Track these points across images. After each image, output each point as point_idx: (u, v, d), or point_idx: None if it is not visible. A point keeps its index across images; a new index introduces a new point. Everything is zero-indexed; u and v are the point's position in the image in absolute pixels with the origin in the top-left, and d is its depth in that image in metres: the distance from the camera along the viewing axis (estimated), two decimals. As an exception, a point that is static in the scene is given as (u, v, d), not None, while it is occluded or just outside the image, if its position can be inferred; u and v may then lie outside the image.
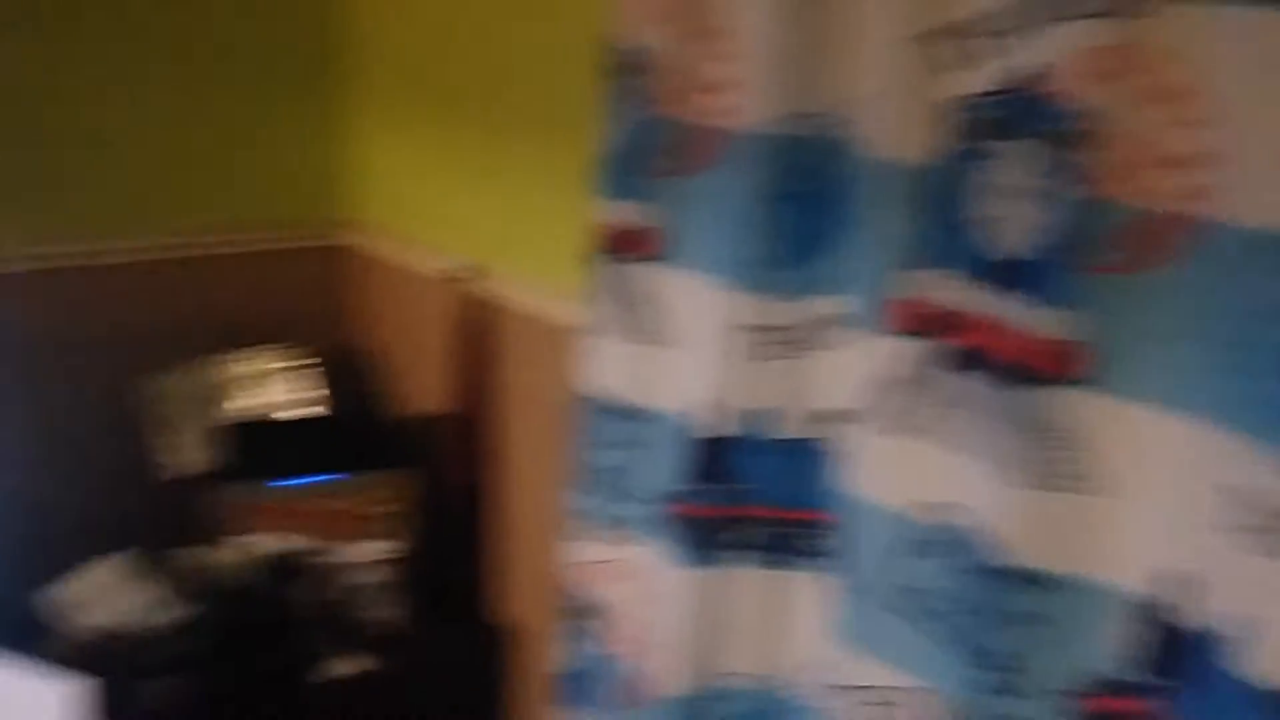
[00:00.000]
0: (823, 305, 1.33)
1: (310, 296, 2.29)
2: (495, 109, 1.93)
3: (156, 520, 2.01)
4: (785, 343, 1.35)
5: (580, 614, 1.66)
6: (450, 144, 2.07)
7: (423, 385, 2.24)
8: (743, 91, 1.32)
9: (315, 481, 2.05)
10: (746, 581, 1.44)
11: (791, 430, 1.37)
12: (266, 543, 1.97)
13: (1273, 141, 0.93)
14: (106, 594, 1.92)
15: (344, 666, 1.97)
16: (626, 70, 1.43)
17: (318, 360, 2.18)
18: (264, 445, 2.06)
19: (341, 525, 2.04)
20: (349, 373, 2.31)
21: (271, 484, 2.02)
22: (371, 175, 2.28)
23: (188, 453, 2.05)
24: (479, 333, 2.03)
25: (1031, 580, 1.08)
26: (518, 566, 2.14)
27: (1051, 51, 1.05)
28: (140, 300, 2.04)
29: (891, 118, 1.21)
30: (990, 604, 1.12)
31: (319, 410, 2.14)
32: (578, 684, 1.69)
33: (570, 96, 1.71)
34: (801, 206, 1.32)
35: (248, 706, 1.85)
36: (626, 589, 1.57)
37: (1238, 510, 0.93)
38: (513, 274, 1.95)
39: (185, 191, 2.08)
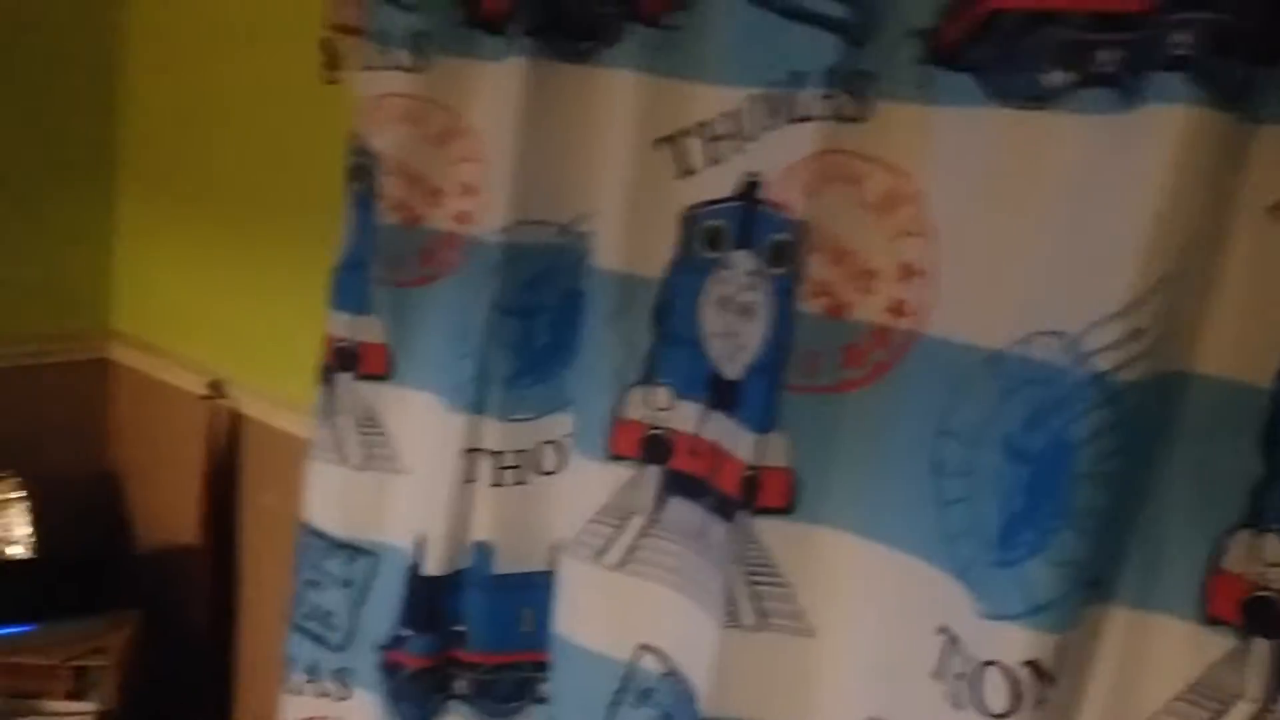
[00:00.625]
0: (552, 427, 1.22)
1: (52, 416, 2.05)
2: (253, 211, 1.81)
3: None
4: (506, 468, 1.22)
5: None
6: (208, 250, 1.92)
7: (168, 512, 2.01)
8: (482, 197, 1.24)
9: (18, 631, 1.79)
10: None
11: (516, 564, 1.23)
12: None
13: (982, 251, 0.88)
14: None
15: None
16: (360, 173, 1.33)
17: (42, 491, 1.93)
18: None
19: (41, 681, 1.77)
20: (86, 500, 2.07)
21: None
22: (134, 284, 2.10)
23: None
24: (227, 452, 1.85)
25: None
26: (253, 717, 1.90)
27: (773, 157, 1.00)
28: None
29: (626, 227, 1.14)
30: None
31: (25, 551, 1.89)
32: None
33: (324, 201, 1.60)
34: (535, 321, 1.23)
35: None
36: (342, 749, 1.38)
37: (941, 654, 0.83)
38: (263, 388, 1.80)
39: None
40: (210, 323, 1.95)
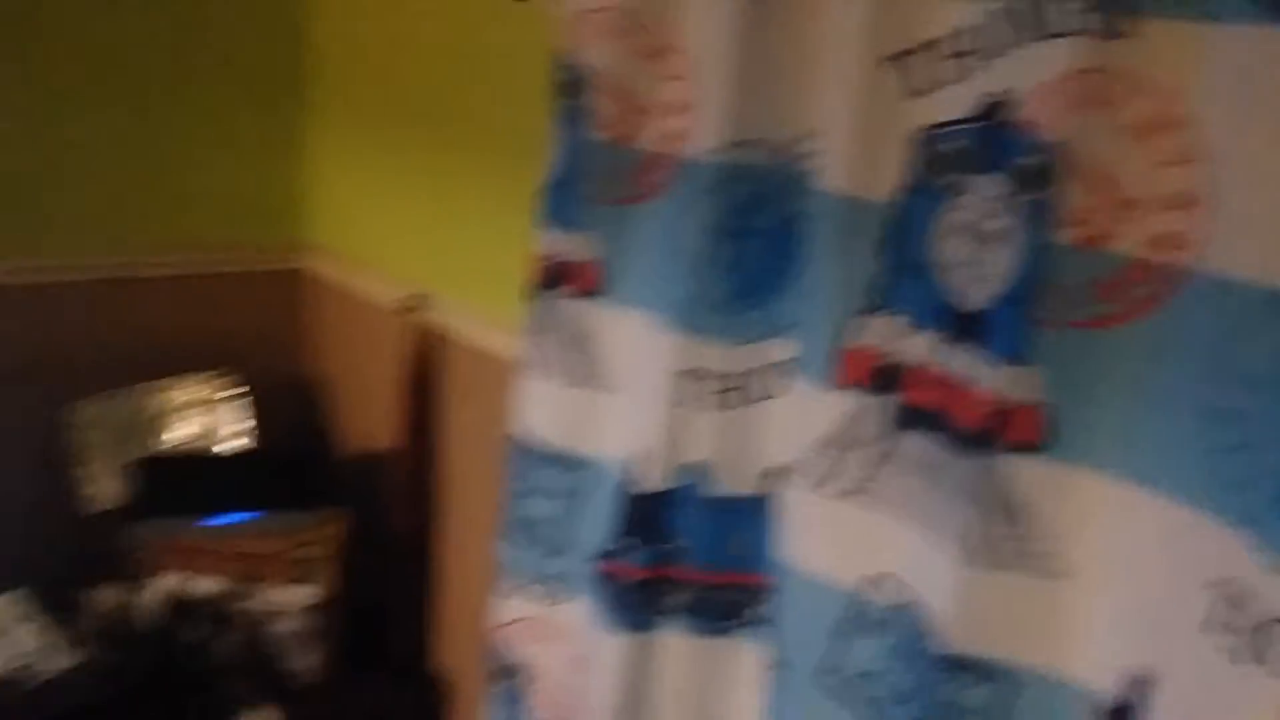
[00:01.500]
0: (770, 351, 1.21)
1: (259, 322, 2.16)
2: (450, 131, 1.82)
3: (69, 557, 1.86)
4: (729, 390, 1.22)
5: (507, 674, 1.52)
6: (405, 167, 1.95)
7: (367, 420, 2.11)
8: (694, 116, 1.21)
9: (239, 520, 1.91)
10: (677, 648, 1.31)
11: (731, 486, 1.24)
12: (183, 584, 1.82)
13: (1262, 182, 0.82)
14: (3, 635, 1.77)
15: (266, 716, 1.83)
16: (570, 90, 1.32)
17: (256, 390, 2.04)
18: (187, 480, 1.91)
19: (264, 568, 1.89)
20: (289, 404, 2.18)
21: (192, 521, 1.88)
22: (327, 199, 2.17)
23: (107, 486, 1.91)
24: (427, 366, 1.91)
25: (984, 672, 0.95)
26: (454, 618, 2.00)
27: (1022, 76, 0.94)
28: (76, 322, 1.91)
29: (852, 149, 1.09)
30: (936, 696, 0.98)
31: (248, 444, 2.01)
32: (501, 751, 1.55)
33: (524, 119, 1.60)
34: (752, 243, 1.20)
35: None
36: (554, 650, 1.44)
37: (1213, 607, 0.80)
38: (462, 304, 1.84)
39: (129, 210, 1.96)
40: (407, 238, 1.99)
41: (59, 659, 1.77)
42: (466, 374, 1.86)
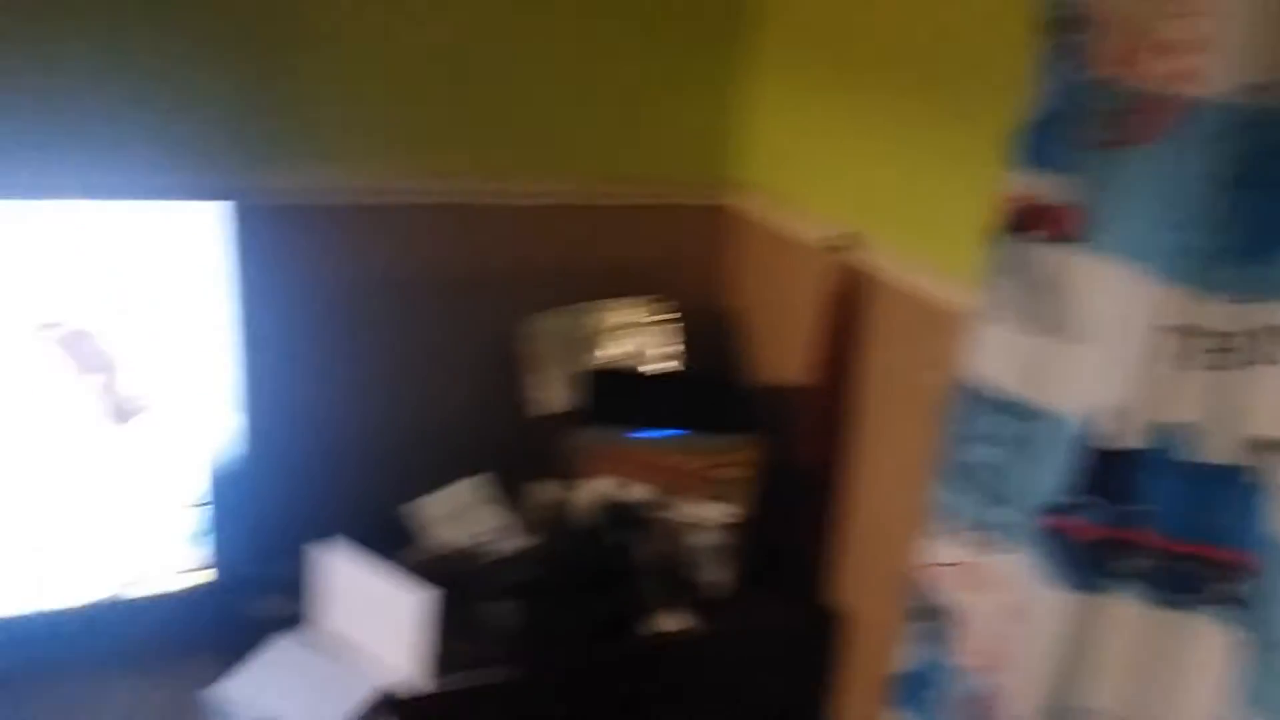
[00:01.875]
0: (1274, 313, 1.11)
1: (687, 254, 2.27)
2: (903, 70, 1.80)
3: (516, 452, 2.07)
4: (1220, 351, 1.14)
5: (928, 616, 1.53)
6: (849, 107, 1.96)
7: (785, 353, 2.17)
8: (1207, 55, 1.13)
9: (666, 436, 2.04)
10: (1128, 614, 1.26)
11: (1212, 454, 1.17)
12: (613, 489, 1.98)
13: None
14: (461, 514, 2.01)
15: (670, 622, 1.96)
16: (1066, 25, 1.26)
17: (683, 317, 2.16)
18: (623, 394, 2.06)
19: (685, 482, 2.01)
20: (712, 332, 2.28)
21: (625, 433, 2.03)
22: (758, 137, 2.23)
23: (553, 392, 2.10)
24: (851, 305, 1.93)
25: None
26: (860, 552, 2.03)
27: None
28: (529, 243, 2.10)
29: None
30: None
31: (678, 366, 2.13)
32: (914, 687, 1.57)
33: (993, 58, 1.56)
34: (1265, 195, 1.11)
35: (575, 643, 1.87)
36: (985, 599, 1.43)
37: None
38: (895, 247, 1.83)
39: (585, 142, 2.11)
40: (841, 178, 2.00)
41: (510, 540, 1.99)
42: (891, 315, 1.87)
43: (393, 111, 1.92)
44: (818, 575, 2.11)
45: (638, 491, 2.00)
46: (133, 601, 1.72)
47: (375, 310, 1.98)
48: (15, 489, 1.58)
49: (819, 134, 2.05)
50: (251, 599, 1.83)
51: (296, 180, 1.85)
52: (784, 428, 2.09)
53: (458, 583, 1.75)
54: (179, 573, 1.75)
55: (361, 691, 1.69)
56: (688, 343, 2.17)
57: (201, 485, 1.72)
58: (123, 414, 1.61)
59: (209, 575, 1.77)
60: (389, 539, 1.82)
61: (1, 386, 1.52)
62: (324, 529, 1.78)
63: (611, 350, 2.12)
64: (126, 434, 1.63)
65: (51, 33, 1.62)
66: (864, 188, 1.94)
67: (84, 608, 1.69)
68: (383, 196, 1.94)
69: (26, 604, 1.64)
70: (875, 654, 1.99)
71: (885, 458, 1.94)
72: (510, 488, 2.06)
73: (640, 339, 2.13)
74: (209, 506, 1.73)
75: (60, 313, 1.53)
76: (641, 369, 2.12)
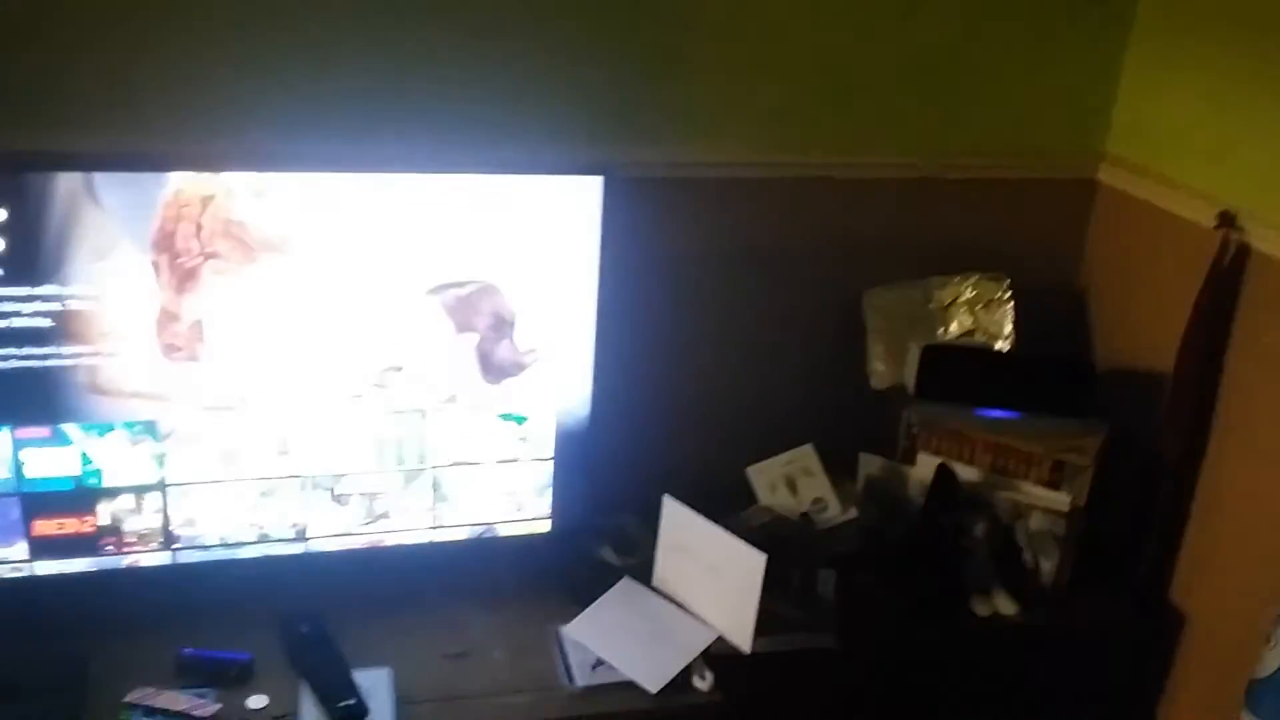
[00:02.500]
0: None
1: (1040, 228, 2.17)
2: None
3: (849, 424, 2.09)
4: None
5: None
6: (1243, 73, 1.80)
7: (1144, 334, 2.04)
8: None
9: (1004, 416, 1.99)
10: None
11: None
12: (946, 467, 1.96)
13: None
14: (790, 482, 2.06)
15: (995, 608, 1.92)
16: None
17: (1027, 294, 2.08)
18: (960, 372, 2.03)
19: (1021, 465, 1.95)
20: (1058, 311, 2.19)
21: (961, 411, 1.99)
22: (1134, 106, 2.08)
23: (889, 367, 2.10)
24: (1232, 286, 1.79)
25: None
26: (1216, 550, 1.90)
27: None
28: (875, 215, 2.09)
29: None
30: None
31: (1019, 345, 2.06)
32: (1276, 695, 1.46)
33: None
34: None
35: (895, 619, 1.88)
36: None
37: None
38: None
39: (943, 114, 2.05)
40: (1226, 151, 1.85)
41: (837, 512, 2.02)
42: (1273, 295, 1.72)
43: (758, 87, 1.96)
44: (1160, 571, 1.99)
45: (970, 471, 1.97)
46: (492, 542, 1.91)
47: (720, 280, 2.05)
48: (395, 438, 1.79)
49: (1205, 103, 1.90)
50: (593, 548, 1.98)
51: (661, 154, 1.95)
52: (1134, 413, 1.98)
53: (783, 549, 1.80)
54: (531, 520, 1.91)
55: (691, 644, 1.79)
56: (1031, 321, 2.09)
57: (552, 442, 1.87)
58: (493, 373, 1.78)
59: (555, 524, 1.93)
60: (720, 501, 1.89)
61: (385, 344, 1.72)
62: (661, 488, 1.89)
63: (951, 326, 2.08)
64: (494, 391, 1.79)
65: (447, 23, 1.79)
66: (1254, 161, 1.78)
67: (450, 544, 1.89)
68: (739, 170, 2.00)
69: (402, 539, 1.86)
70: (1223, 658, 1.86)
71: (1258, 452, 1.79)
72: (840, 459, 2.08)
73: (981, 316, 2.07)
74: (559, 460, 1.88)
75: (447, 278, 1.70)
76: (981, 346, 2.06)
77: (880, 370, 2.10)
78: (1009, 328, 2.07)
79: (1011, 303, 2.07)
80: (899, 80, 2.02)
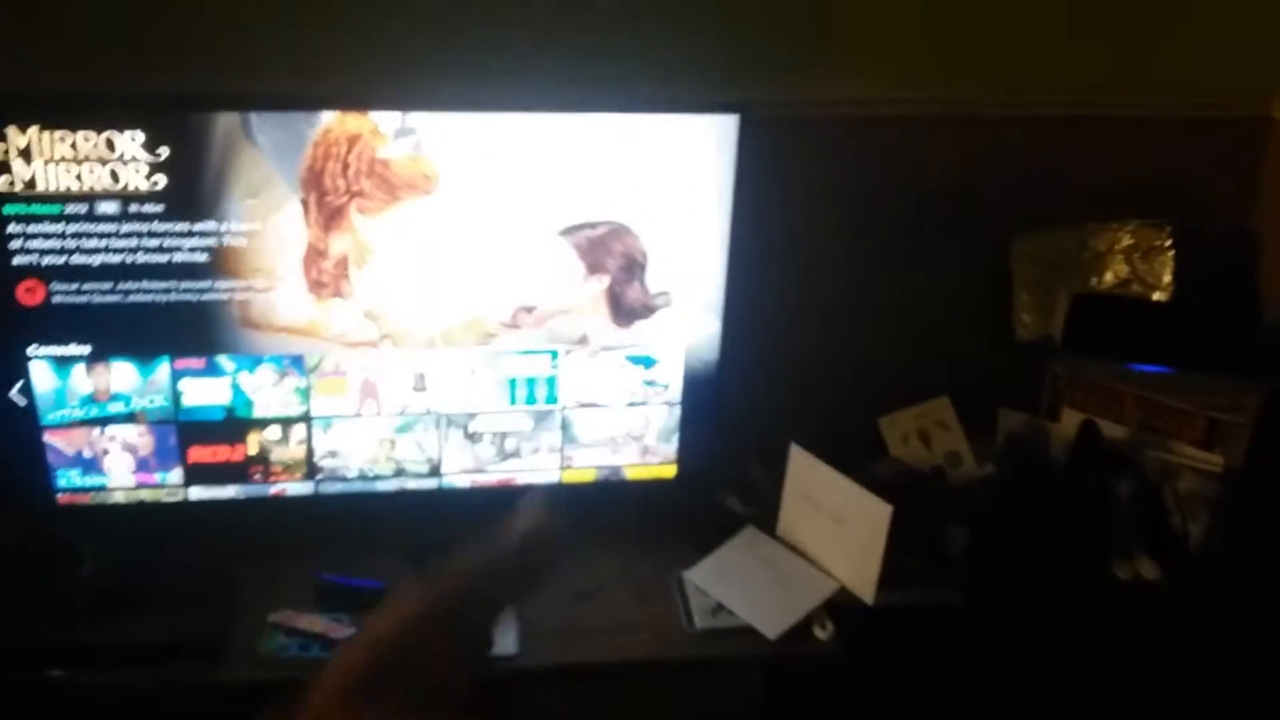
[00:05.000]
0: None
1: (1208, 170, 2.15)
2: None
3: (990, 376, 2.13)
4: None
5: None
6: None
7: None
8: None
9: (1157, 371, 1.99)
10: None
11: None
12: (1093, 423, 1.98)
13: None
14: (924, 434, 2.12)
15: (1139, 571, 1.95)
16: None
17: (1188, 242, 2.06)
18: (1113, 323, 2.03)
19: (1174, 423, 1.97)
20: (1223, 261, 2.15)
21: (1112, 364, 2.00)
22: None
23: (1036, 317, 2.12)
24: None
25: None
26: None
27: None
28: (1026, 156, 2.10)
29: None
30: None
31: (1175, 296, 2.04)
32: None
33: None
34: None
35: (1030, 579, 1.92)
36: None
37: None
38: None
39: (1107, 46, 2.05)
40: None
41: (973, 466, 2.07)
42: None
43: (900, 20, 2.00)
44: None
45: (1118, 428, 1.99)
46: (618, 484, 2.03)
47: (857, 223, 2.11)
48: (525, 378, 1.92)
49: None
50: (718, 495, 2.08)
51: (798, 92, 2.00)
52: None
53: (913, 502, 1.87)
54: (658, 463, 2.03)
55: (813, 594, 1.88)
56: (1193, 271, 2.07)
57: (680, 386, 1.97)
58: (623, 315, 1.89)
59: (681, 469, 2.04)
60: (848, 452, 1.97)
61: (518, 284, 1.85)
62: (788, 436, 1.97)
63: (1106, 275, 2.08)
64: (624, 333, 1.91)
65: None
66: None
67: (574, 486, 2.02)
68: (879, 107, 2.04)
69: (531, 478, 2.00)
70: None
71: None
72: (978, 414, 2.12)
73: (1139, 264, 2.07)
74: (686, 404, 1.99)
75: (581, 218, 1.82)
76: (1136, 296, 2.06)
77: (1026, 321, 2.13)
78: (1168, 277, 2.05)
79: (1173, 251, 2.06)
80: (1053, 13, 2.02)
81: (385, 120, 1.71)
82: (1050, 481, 2.00)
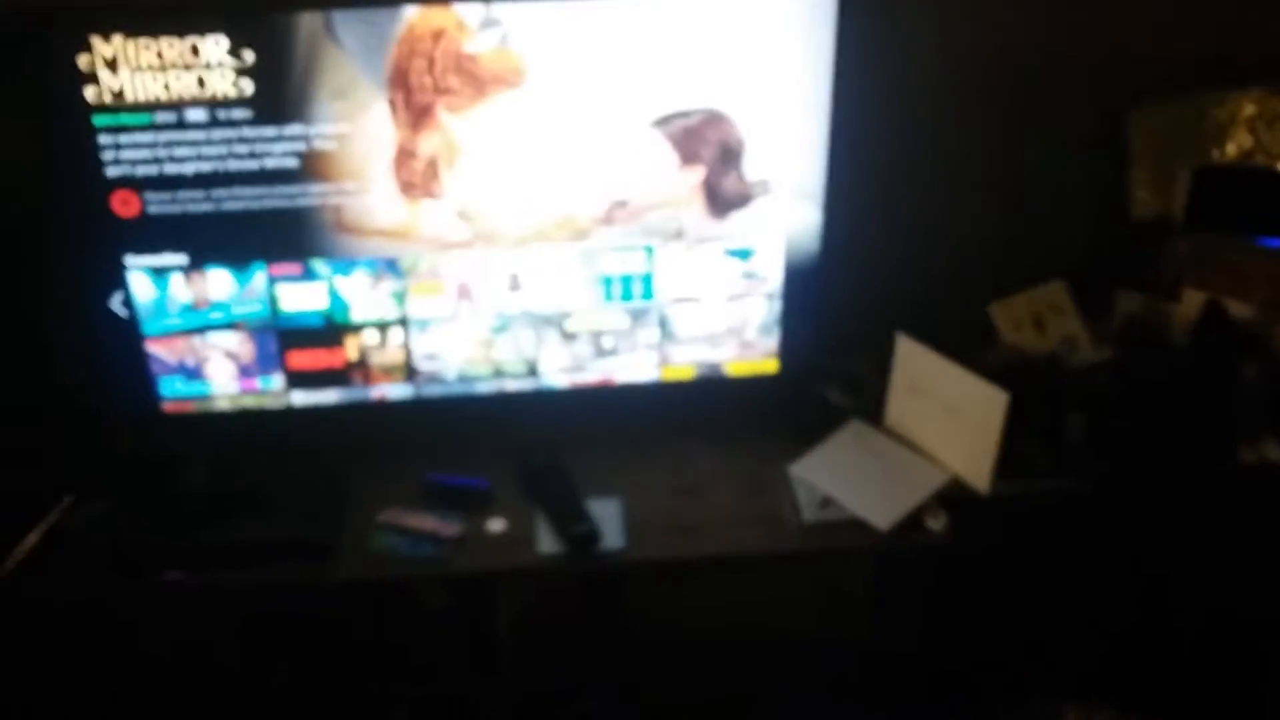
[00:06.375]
0: None
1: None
2: None
3: (1108, 257, 2.05)
4: None
5: None
6: None
7: None
8: None
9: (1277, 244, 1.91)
10: None
11: None
12: (1217, 303, 1.91)
13: None
14: (1040, 320, 2.06)
15: (1266, 453, 1.89)
16: None
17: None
18: (1237, 197, 1.94)
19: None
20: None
21: (1237, 241, 1.92)
22: None
23: (1156, 193, 2.03)
24: None
25: None
26: None
27: None
28: (1144, 20, 1.98)
29: None
30: None
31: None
32: None
33: None
34: None
35: (1158, 465, 1.88)
36: None
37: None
38: None
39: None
40: None
41: (1092, 350, 2.01)
42: None
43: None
44: None
45: (1244, 308, 1.91)
46: (719, 381, 2.02)
47: (962, 101, 2.02)
48: (621, 274, 1.90)
49: None
50: (821, 389, 2.06)
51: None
52: None
53: (1028, 389, 1.83)
54: (755, 358, 2.01)
55: (924, 485, 1.86)
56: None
57: (779, 278, 1.94)
58: (719, 206, 1.86)
59: (783, 364, 2.01)
60: (961, 339, 1.92)
61: (610, 178, 1.82)
62: (897, 325, 1.94)
63: (1228, 147, 1.99)
64: (721, 225, 1.87)
65: None
66: None
67: (674, 384, 2.01)
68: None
69: (631, 376, 2.00)
70: None
71: None
72: (1094, 297, 2.06)
73: (1263, 134, 1.97)
74: (787, 298, 1.95)
75: (673, 107, 1.77)
76: (1262, 168, 1.97)
77: (1144, 198, 2.05)
78: (1304, 147, 1.96)
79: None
80: None
81: (470, 13, 1.67)
82: (1172, 364, 1.93)
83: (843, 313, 2.01)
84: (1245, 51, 2.00)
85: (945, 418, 1.88)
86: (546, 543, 1.81)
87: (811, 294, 1.96)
